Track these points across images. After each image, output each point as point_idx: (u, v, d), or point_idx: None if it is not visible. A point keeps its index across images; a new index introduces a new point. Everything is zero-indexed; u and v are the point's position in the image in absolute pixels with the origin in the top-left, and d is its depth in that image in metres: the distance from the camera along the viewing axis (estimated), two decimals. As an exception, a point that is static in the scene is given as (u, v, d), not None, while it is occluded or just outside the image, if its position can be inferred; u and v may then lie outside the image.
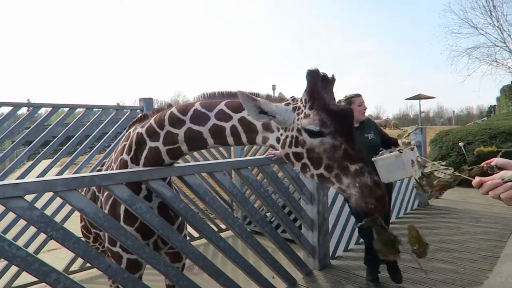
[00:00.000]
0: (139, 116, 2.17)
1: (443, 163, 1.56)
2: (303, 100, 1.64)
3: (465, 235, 4.81)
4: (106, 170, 2.40)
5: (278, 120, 1.69)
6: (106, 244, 2.17)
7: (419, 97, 30.52)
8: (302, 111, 1.63)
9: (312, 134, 1.58)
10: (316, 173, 1.61)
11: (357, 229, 4.32)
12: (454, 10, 22.95)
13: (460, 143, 9.26)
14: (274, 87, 30.09)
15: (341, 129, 1.56)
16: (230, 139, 1.86)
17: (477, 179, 1.06)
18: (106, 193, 2.23)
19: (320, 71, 1.64)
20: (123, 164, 2.11)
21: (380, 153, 3.19)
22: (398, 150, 3.00)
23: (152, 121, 2.00)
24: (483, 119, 26.98)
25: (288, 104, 1.71)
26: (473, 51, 22.53)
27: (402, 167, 2.89)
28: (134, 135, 2.06)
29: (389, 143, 3.40)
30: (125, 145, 2.14)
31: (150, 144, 1.99)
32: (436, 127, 25.41)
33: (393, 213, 5.44)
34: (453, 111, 48.40)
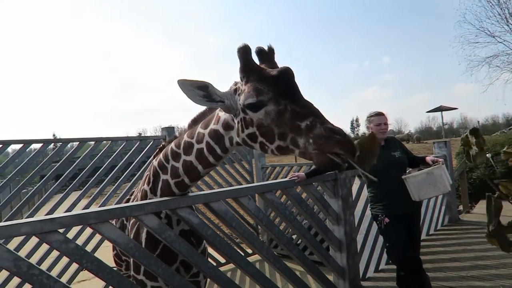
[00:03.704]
0: (160, 145, 2.26)
1: None
2: (240, 78, 1.59)
3: (501, 250, 4.59)
4: (134, 198, 2.51)
5: (226, 105, 1.62)
6: (132, 272, 2.22)
7: (440, 109, 29.98)
8: (241, 89, 1.58)
9: (253, 107, 1.50)
10: (273, 148, 1.52)
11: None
12: (469, 20, 22.48)
13: (487, 154, 8.97)
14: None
15: (281, 91, 1.48)
16: (210, 158, 1.83)
17: None
18: (131, 221, 2.31)
19: (251, 46, 1.55)
20: (144, 194, 2.18)
21: (407, 171, 3.14)
22: (434, 165, 2.94)
23: (161, 155, 2.07)
24: (510, 127, 26.11)
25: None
26: (492, 59, 22.06)
27: (433, 184, 2.82)
28: (152, 167, 2.14)
29: (416, 162, 3.31)
30: (147, 175, 2.22)
31: (162, 176, 2.06)
32: (461, 139, 24.69)
33: (423, 231, 5.28)
34: (478, 121, 47.17)
